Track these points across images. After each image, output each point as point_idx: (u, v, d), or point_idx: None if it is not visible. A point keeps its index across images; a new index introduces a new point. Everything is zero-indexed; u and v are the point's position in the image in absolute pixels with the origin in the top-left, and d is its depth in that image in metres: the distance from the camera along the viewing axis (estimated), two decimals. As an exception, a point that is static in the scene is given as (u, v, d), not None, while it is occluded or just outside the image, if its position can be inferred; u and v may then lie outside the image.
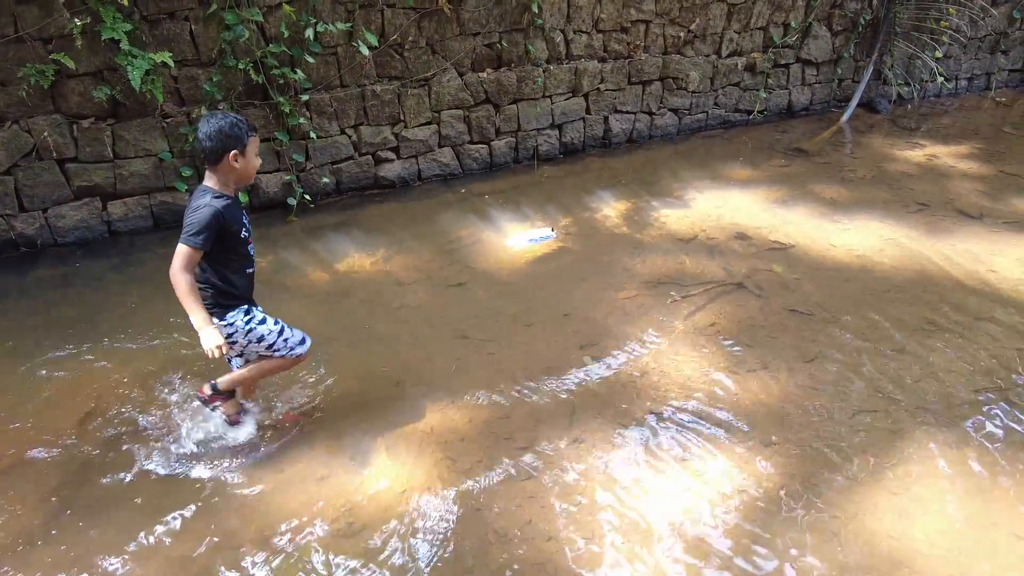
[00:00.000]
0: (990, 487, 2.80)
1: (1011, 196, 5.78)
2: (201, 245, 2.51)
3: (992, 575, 2.43)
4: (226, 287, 2.69)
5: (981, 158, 6.76)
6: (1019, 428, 3.12)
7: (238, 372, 2.92)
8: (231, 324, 2.71)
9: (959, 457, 2.95)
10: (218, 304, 2.68)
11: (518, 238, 4.82)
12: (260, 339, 2.79)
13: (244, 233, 2.71)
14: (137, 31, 4.33)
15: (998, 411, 3.22)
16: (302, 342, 2.92)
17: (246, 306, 2.77)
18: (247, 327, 2.74)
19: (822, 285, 4.31)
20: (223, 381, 2.88)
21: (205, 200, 2.56)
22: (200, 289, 2.59)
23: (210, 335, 2.47)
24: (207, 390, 2.87)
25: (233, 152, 2.58)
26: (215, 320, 2.60)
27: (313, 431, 3.06)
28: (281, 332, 2.84)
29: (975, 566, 2.45)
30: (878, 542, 2.54)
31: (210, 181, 2.64)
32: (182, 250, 2.49)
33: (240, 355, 2.91)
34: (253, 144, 2.66)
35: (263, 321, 2.79)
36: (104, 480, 2.78)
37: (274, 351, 2.85)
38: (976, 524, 2.63)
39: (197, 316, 2.49)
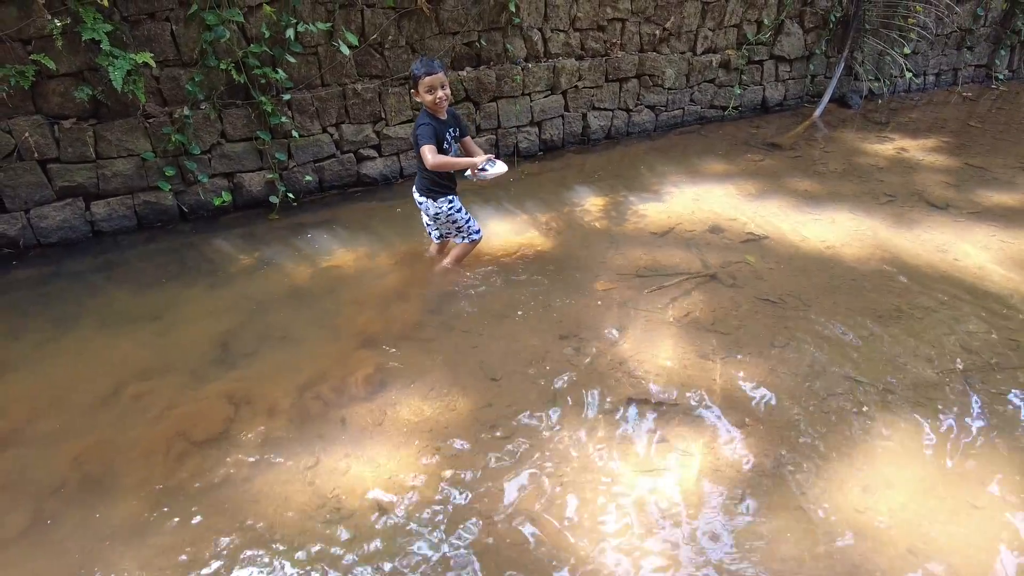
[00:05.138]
0: (950, 463, 2.95)
1: (975, 187, 5.99)
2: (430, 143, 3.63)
3: (950, 541, 2.57)
4: (438, 181, 3.85)
5: (948, 151, 6.98)
6: (977, 408, 3.28)
7: (445, 262, 4.24)
8: (439, 207, 3.88)
9: (921, 436, 3.10)
10: (432, 192, 3.85)
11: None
12: (454, 222, 4.00)
13: (445, 145, 3.77)
14: (118, 32, 4.36)
15: (959, 393, 3.38)
16: (478, 231, 4.17)
17: (451, 196, 3.94)
18: (449, 211, 3.94)
19: (793, 275, 4.45)
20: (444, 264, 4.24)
21: (423, 119, 3.69)
22: (431, 179, 3.80)
23: (474, 161, 3.71)
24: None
25: (412, 90, 3.70)
26: (434, 201, 3.88)
27: (301, 419, 3.14)
28: (468, 220, 4.07)
29: (934, 533, 2.60)
30: (844, 516, 2.67)
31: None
32: (424, 148, 3.60)
33: (438, 231, 4.15)
34: (422, 84, 3.62)
35: (459, 210, 4.02)
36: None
37: (460, 232, 4.07)
38: (936, 496, 2.78)
39: (462, 162, 3.72)
